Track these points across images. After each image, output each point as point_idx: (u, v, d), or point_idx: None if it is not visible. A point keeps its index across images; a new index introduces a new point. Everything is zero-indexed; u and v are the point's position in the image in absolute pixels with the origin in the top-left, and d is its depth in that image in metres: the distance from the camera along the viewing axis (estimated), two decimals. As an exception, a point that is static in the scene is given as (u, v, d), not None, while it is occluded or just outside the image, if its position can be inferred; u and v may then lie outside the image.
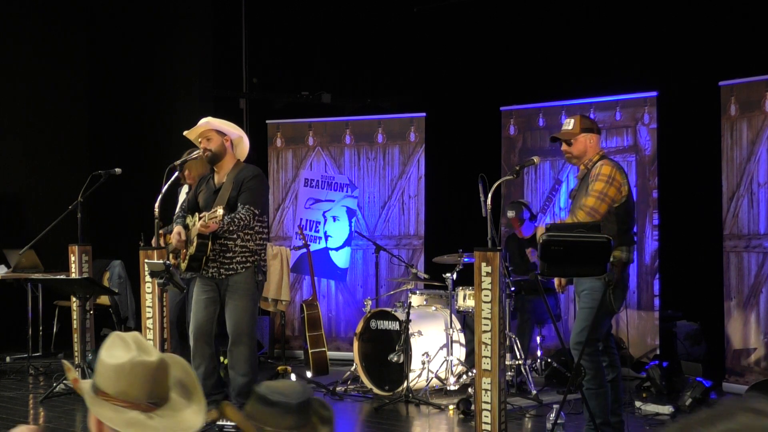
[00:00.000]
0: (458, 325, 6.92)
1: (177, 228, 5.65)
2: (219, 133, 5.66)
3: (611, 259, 4.65)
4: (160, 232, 6.09)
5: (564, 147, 5.07)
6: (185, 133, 5.79)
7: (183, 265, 5.66)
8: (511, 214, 7.15)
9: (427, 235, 8.45)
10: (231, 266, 5.60)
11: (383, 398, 6.58)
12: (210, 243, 5.53)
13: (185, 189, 6.97)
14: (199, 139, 5.69)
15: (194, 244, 5.54)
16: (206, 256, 5.55)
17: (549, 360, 7.07)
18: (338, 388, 6.83)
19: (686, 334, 7.68)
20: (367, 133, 8.63)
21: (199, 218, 5.41)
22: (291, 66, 10.56)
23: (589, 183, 4.92)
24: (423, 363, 6.68)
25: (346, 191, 8.59)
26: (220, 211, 5.24)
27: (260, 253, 5.70)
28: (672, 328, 7.69)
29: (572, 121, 5.07)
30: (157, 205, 5.60)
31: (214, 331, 5.77)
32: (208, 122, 5.68)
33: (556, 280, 5.35)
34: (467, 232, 7.68)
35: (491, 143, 8.51)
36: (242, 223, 5.45)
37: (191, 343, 5.80)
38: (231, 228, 5.45)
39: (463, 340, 6.88)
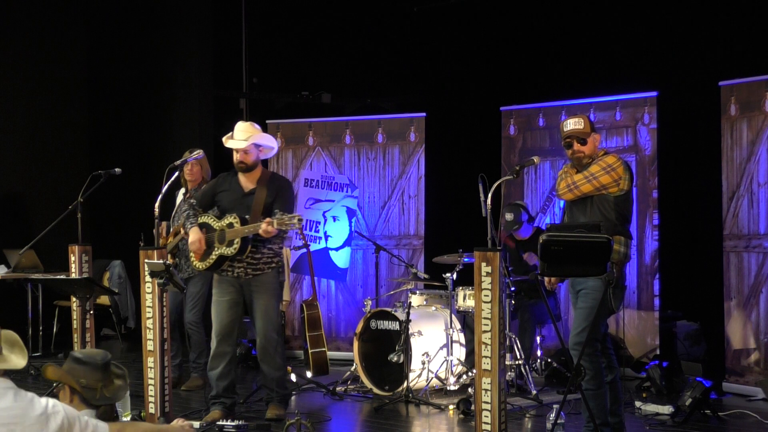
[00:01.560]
0: (458, 325, 6.92)
1: (196, 234, 5.64)
2: (256, 146, 5.73)
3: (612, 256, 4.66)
4: (161, 230, 6.08)
5: (576, 146, 5.02)
6: (228, 143, 5.76)
7: (201, 265, 5.68)
8: (509, 216, 7.13)
9: (427, 235, 8.45)
10: (258, 267, 5.70)
11: (383, 398, 6.58)
12: (250, 245, 5.61)
13: (182, 191, 6.96)
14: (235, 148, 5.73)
15: (236, 245, 5.56)
16: (235, 257, 5.61)
17: (549, 360, 7.07)
18: (338, 388, 6.83)
19: (686, 334, 7.68)
20: (367, 133, 8.63)
21: (273, 218, 5.42)
22: (291, 66, 10.56)
23: (593, 164, 4.94)
24: (423, 363, 6.68)
25: (346, 191, 8.59)
26: (301, 219, 5.39)
27: (281, 255, 5.91)
28: (672, 328, 7.69)
29: (581, 120, 5.04)
30: (157, 205, 5.60)
31: (237, 333, 5.86)
32: (255, 140, 5.70)
33: (546, 279, 5.34)
34: (467, 232, 7.68)
35: (491, 143, 8.51)
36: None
37: (213, 343, 5.81)
38: (283, 233, 5.67)
39: (463, 340, 6.88)
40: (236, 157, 5.73)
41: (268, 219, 5.41)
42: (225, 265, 5.68)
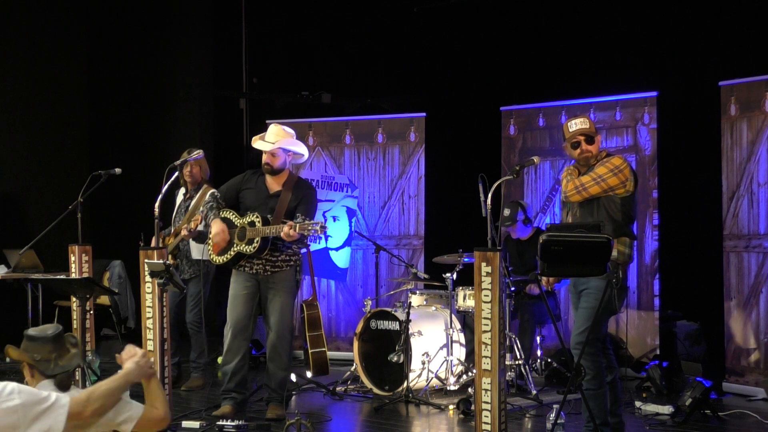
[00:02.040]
0: (458, 325, 6.92)
1: (218, 225, 5.68)
2: (285, 150, 5.78)
3: (615, 254, 4.66)
4: (161, 233, 6.08)
5: (585, 146, 5.02)
6: (256, 144, 5.82)
7: (219, 259, 5.74)
8: (506, 212, 7.16)
9: (427, 235, 8.45)
10: (277, 264, 5.75)
11: (383, 398, 6.58)
12: (269, 246, 5.64)
13: (182, 191, 6.96)
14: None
15: (255, 245, 5.61)
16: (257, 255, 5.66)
17: (549, 360, 7.07)
18: (338, 388, 6.83)
19: (686, 334, 7.68)
20: (367, 133, 8.63)
21: (294, 222, 5.43)
22: (291, 66, 10.56)
23: (599, 166, 4.93)
24: (423, 363, 6.69)
25: (346, 191, 8.59)
26: (324, 227, 5.41)
27: (300, 255, 5.92)
28: (672, 328, 7.69)
29: (587, 120, 5.06)
30: (157, 205, 5.60)
31: (252, 328, 5.89)
32: (281, 144, 5.75)
33: (543, 279, 5.34)
34: (467, 232, 7.69)
35: (491, 143, 8.51)
36: None
37: (228, 337, 5.84)
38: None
39: (463, 340, 6.88)
40: (263, 158, 5.81)
41: (290, 222, 5.44)
42: (242, 261, 5.74)
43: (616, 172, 4.93)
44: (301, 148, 5.94)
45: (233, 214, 5.79)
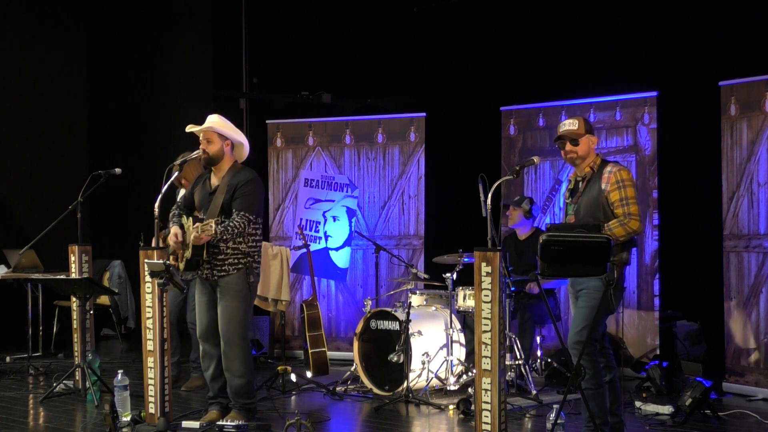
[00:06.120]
0: (458, 325, 6.92)
1: (174, 229, 5.57)
2: (220, 136, 5.63)
3: (613, 259, 4.66)
4: (160, 234, 6.07)
5: (569, 146, 5.05)
6: (189, 128, 5.70)
7: (180, 266, 5.62)
8: (517, 197, 7.23)
9: (427, 235, 8.46)
10: (223, 268, 5.52)
11: (383, 398, 6.58)
12: (205, 250, 5.46)
13: (182, 192, 6.96)
14: (202, 137, 5.65)
15: (190, 249, 5.46)
16: (202, 259, 5.52)
17: (549, 360, 7.07)
18: (338, 388, 6.83)
19: (686, 334, 7.68)
20: (367, 133, 8.64)
21: (193, 227, 5.33)
22: (291, 66, 10.56)
23: (612, 190, 4.89)
24: (423, 363, 6.69)
25: (346, 191, 8.59)
26: (213, 225, 5.20)
27: (253, 255, 5.61)
28: (672, 328, 7.70)
29: (576, 121, 5.08)
30: (157, 205, 5.59)
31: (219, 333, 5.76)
32: (211, 126, 5.61)
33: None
34: (467, 232, 7.70)
35: (491, 143, 8.51)
36: (236, 231, 5.39)
37: (200, 346, 5.76)
38: (225, 237, 5.36)
39: (463, 340, 6.89)
40: (200, 147, 5.62)
41: (196, 224, 5.29)
42: (199, 266, 5.57)
43: (633, 185, 4.96)
44: (238, 135, 5.69)
45: (186, 220, 5.63)
